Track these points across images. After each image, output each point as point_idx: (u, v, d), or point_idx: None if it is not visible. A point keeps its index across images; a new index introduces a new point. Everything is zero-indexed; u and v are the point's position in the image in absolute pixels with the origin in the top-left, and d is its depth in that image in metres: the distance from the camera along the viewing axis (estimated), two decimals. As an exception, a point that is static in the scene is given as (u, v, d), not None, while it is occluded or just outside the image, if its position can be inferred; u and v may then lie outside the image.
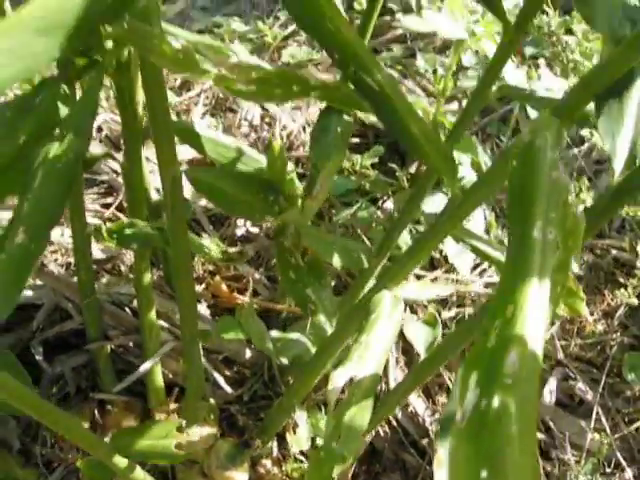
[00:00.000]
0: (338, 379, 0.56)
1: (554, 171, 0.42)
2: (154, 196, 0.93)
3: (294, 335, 0.78)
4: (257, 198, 0.62)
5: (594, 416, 0.95)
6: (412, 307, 0.98)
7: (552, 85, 1.01)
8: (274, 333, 0.78)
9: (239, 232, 1.08)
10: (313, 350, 0.78)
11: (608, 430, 0.93)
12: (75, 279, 0.96)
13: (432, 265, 1.03)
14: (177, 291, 0.74)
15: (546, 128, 0.46)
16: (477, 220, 1.03)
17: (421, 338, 0.77)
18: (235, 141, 0.82)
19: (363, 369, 0.57)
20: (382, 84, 0.57)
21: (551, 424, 0.94)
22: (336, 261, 0.69)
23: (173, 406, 0.94)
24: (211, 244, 0.95)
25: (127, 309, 0.95)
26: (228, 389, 0.93)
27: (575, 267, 1.04)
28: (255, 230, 1.07)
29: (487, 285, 1.01)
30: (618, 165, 0.47)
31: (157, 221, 0.86)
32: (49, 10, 0.38)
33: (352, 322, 0.71)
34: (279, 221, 0.63)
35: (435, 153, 0.58)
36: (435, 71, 1.30)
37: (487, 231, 1.04)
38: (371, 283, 0.81)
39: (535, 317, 0.34)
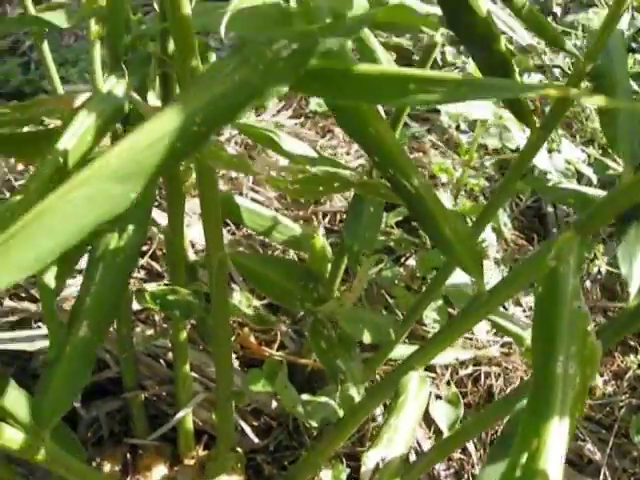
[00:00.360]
0: (370, 461, 0.61)
1: (575, 301, 0.47)
2: (190, 253, 0.99)
3: (323, 399, 0.83)
4: (297, 285, 0.67)
5: (602, 476, 0.99)
6: (431, 366, 1.03)
7: (571, 156, 1.06)
8: (304, 396, 0.83)
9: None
10: (340, 413, 0.83)
11: (615, 490, 0.98)
12: (111, 330, 1.02)
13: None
14: (215, 355, 0.79)
15: (569, 252, 0.51)
16: (495, 279, 1.08)
17: (444, 417, 0.82)
18: (271, 211, 0.88)
19: (393, 451, 0.62)
20: (418, 187, 0.62)
21: (561, 482, 0.99)
22: (366, 338, 0.74)
23: (202, 453, 0.99)
24: (242, 299, 1.01)
25: (162, 360, 1.00)
26: (255, 439, 0.98)
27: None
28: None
29: (503, 345, 1.06)
30: (634, 289, 0.52)
31: (194, 282, 0.91)
32: (125, 159, 0.42)
33: (380, 393, 0.76)
34: (318, 310, 0.68)
35: (465, 254, 0.62)
36: (458, 127, 1.36)
37: (504, 291, 1.09)
38: (396, 351, 0.86)
39: (556, 454, 0.39)
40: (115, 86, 0.67)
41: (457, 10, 0.51)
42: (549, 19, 1.51)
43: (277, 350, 1.05)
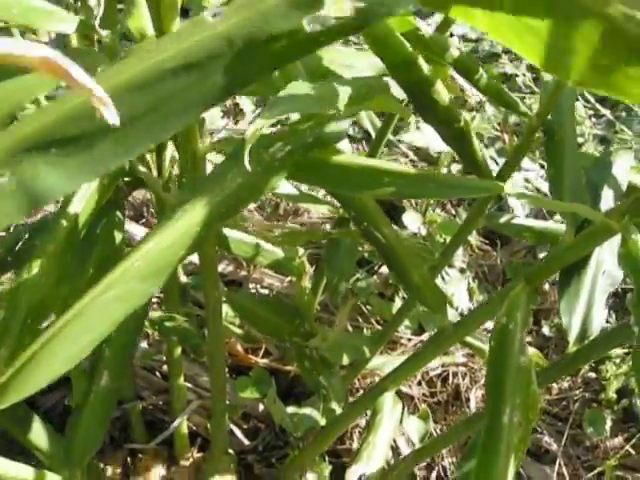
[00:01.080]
0: (352, 476, 0.71)
1: (522, 356, 0.57)
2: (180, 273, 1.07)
3: (307, 410, 0.93)
4: (285, 320, 0.76)
5: (558, 463, 1.11)
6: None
7: (530, 174, 1.15)
8: (290, 409, 0.93)
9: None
10: (323, 421, 0.93)
11: (568, 477, 1.09)
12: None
13: (421, 328, 1.17)
14: (210, 373, 0.89)
15: (518, 308, 0.60)
16: (460, 287, 1.17)
17: (416, 431, 0.92)
18: (254, 239, 0.96)
19: (372, 466, 0.72)
20: (389, 238, 0.71)
21: (520, 470, 1.10)
22: (345, 360, 0.83)
23: (197, 454, 1.08)
24: (227, 310, 1.09)
25: (157, 373, 1.09)
26: (245, 441, 1.07)
27: (546, 330, 1.19)
28: (265, 292, 1.21)
29: (468, 354, 1.17)
30: (572, 337, 0.61)
31: (186, 303, 1.00)
32: (147, 261, 0.50)
33: (358, 407, 0.86)
34: (305, 345, 0.77)
35: (431, 296, 0.72)
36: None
37: (470, 297, 1.19)
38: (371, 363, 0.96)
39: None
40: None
41: (423, 102, 0.59)
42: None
43: (262, 357, 1.14)
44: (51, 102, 0.30)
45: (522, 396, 0.54)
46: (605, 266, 0.64)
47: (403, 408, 1.07)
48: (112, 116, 0.23)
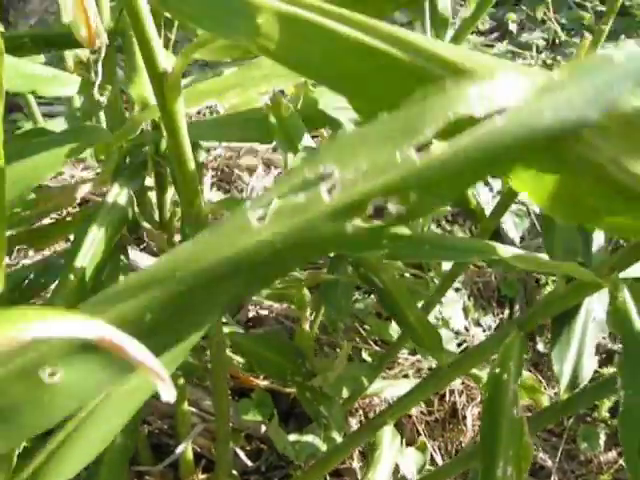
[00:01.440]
0: (353, 513, 0.73)
1: (515, 407, 0.59)
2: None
3: (309, 437, 0.95)
4: (287, 360, 0.79)
5: (553, 478, 1.14)
6: (402, 389, 1.15)
7: (523, 195, 1.17)
8: (292, 437, 0.95)
9: (250, 314, 1.24)
10: (324, 447, 0.95)
11: (564, 491, 1.12)
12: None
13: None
14: (214, 403, 0.90)
15: (511, 357, 0.63)
16: (455, 306, 1.20)
17: (413, 463, 0.95)
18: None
19: (372, 502, 0.74)
20: (386, 282, 0.74)
21: (517, 485, 1.13)
22: (344, 393, 0.86)
23: (202, 476, 1.11)
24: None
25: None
26: (248, 462, 1.10)
27: (541, 347, 1.22)
28: (264, 313, 1.24)
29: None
30: (563, 385, 0.64)
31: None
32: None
33: (358, 438, 0.88)
34: (307, 384, 0.79)
35: (427, 336, 0.74)
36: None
37: (465, 315, 1.21)
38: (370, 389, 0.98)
39: None
40: (119, 195, 0.76)
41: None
42: (505, 41, 1.61)
43: (263, 379, 1.16)
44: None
45: (515, 448, 0.57)
46: (595, 314, 0.66)
47: (401, 428, 1.11)
48: (168, 395, 0.24)
